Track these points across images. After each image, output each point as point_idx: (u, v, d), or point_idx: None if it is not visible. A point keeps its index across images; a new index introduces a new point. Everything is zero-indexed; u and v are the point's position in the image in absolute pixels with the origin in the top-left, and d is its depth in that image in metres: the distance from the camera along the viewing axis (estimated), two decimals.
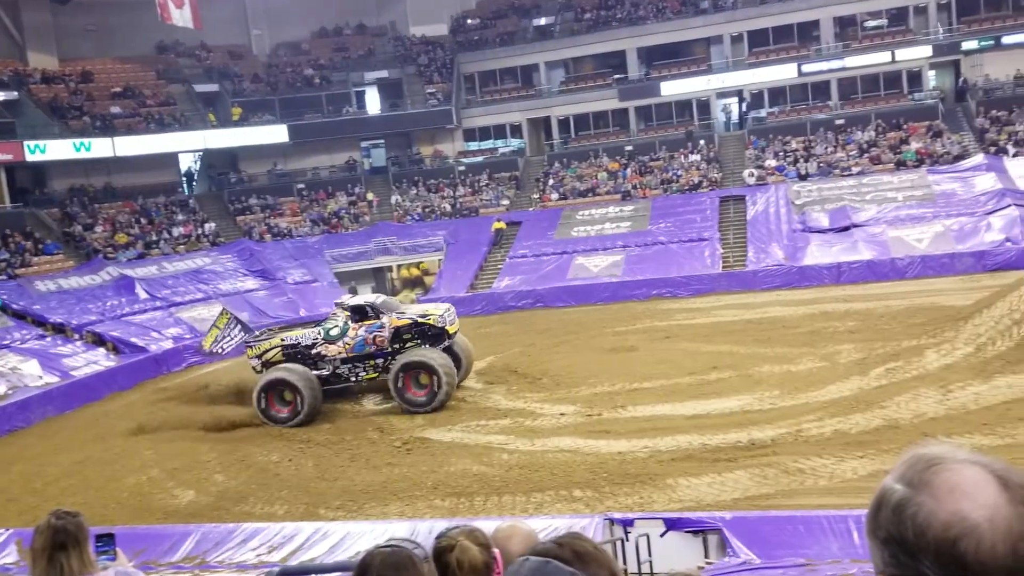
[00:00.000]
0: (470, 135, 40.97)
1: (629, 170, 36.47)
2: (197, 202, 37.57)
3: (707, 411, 15.05)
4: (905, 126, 34.02)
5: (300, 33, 44.37)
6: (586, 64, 41.50)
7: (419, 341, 17.59)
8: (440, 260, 33.66)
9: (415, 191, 38.36)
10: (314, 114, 39.78)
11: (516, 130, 40.79)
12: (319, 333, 17.92)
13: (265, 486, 13.91)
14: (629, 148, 37.89)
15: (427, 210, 36.92)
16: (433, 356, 17.10)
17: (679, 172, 35.40)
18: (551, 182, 37.08)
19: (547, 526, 7.83)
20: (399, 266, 35.60)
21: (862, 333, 19.28)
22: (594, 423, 15.24)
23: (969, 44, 35.22)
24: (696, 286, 27.90)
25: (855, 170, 32.21)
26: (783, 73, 37.32)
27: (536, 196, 36.55)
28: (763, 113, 37.94)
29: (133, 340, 25.47)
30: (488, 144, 41.01)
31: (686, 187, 34.37)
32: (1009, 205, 27.18)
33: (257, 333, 19.04)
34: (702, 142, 36.92)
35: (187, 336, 26.43)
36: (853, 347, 17.91)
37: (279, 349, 17.86)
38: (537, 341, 23.30)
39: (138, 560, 8.37)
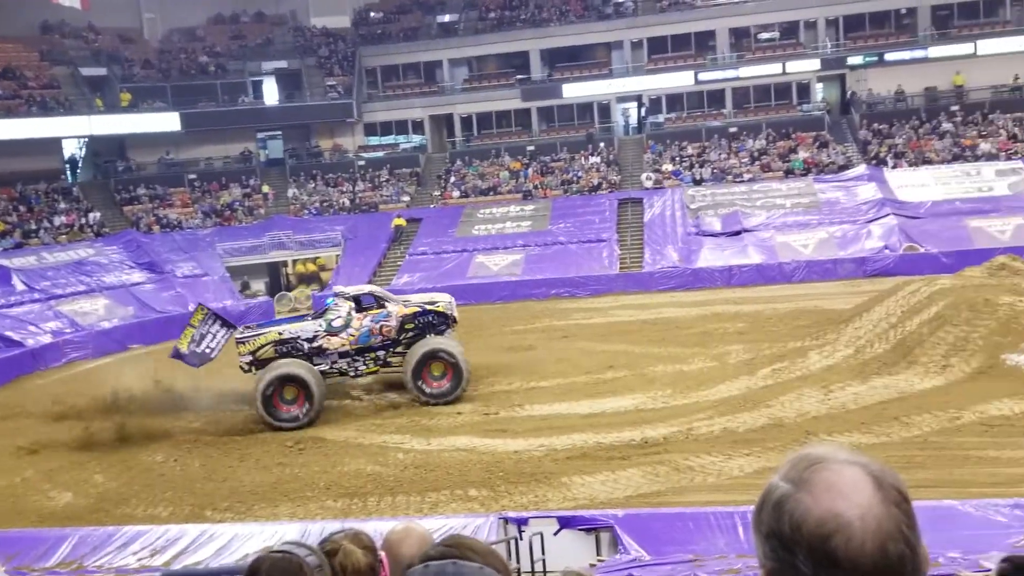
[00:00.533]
0: (371, 130, 40.46)
1: (531, 170, 36.73)
2: (81, 190, 35.84)
3: (602, 410, 15.26)
4: (794, 136, 35.39)
5: (195, 18, 42.90)
6: (490, 63, 41.57)
7: (422, 331, 16.82)
8: (338, 256, 33.09)
9: (313, 185, 37.62)
10: (208, 103, 38.51)
11: (418, 126, 40.51)
12: (320, 325, 16.61)
13: (148, 487, 13.35)
14: (531, 148, 38.16)
15: (325, 204, 36.26)
16: (450, 344, 16.50)
17: (579, 173, 35.86)
18: (453, 180, 36.98)
19: (442, 526, 7.77)
20: (295, 261, 34.81)
21: (750, 334, 19.94)
22: (491, 422, 15.24)
23: (854, 59, 36.91)
24: (594, 286, 28.31)
25: (747, 177, 33.31)
26: (681, 80, 38.27)
27: (437, 193, 36.38)
28: (661, 118, 38.83)
29: (8, 334, 24.08)
30: (389, 139, 40.59)
31: (586, 188, 34.83)
32: (888, 214, 28.61)
33: (243, 328, 17.25)
34: (602, 145, 37.50)
35: (67, 330, 25.18)
36: (742, 348, 18.49)
37: (273, 345, 16.41)
38: None
39: (11, 565, 7.92)
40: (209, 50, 41.04)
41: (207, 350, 16.43)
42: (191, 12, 42.29)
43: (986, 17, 36.86)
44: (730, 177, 33.57)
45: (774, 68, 37.53)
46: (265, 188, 37.38)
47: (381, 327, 16.68)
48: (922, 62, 36.22)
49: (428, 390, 16.22)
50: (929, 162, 32.01)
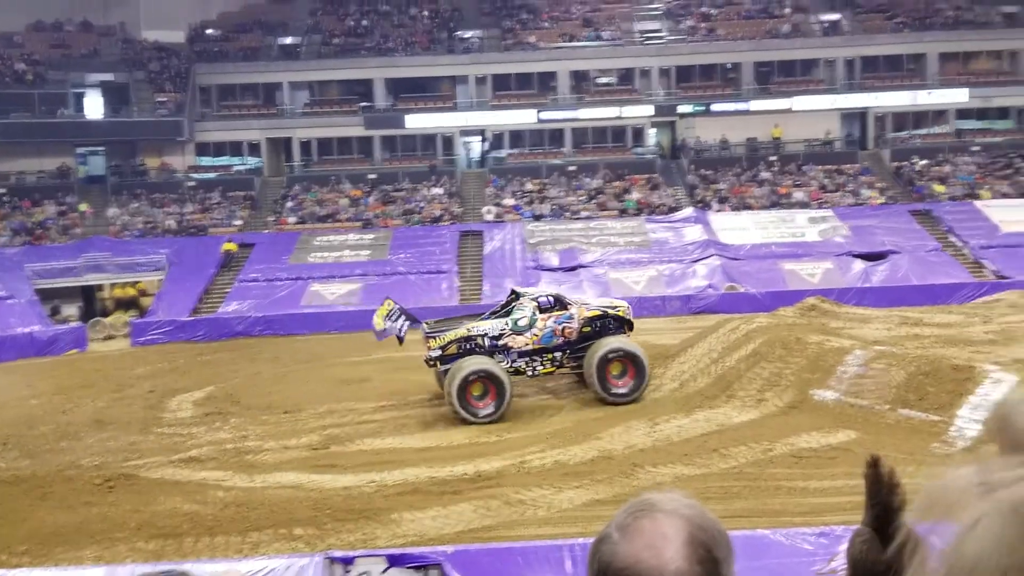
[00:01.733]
0: (203, 150, 38.84)
1: (372, 198, 36.31)
2: None
3: (437, 443, 15.06)
4: (628, 177, 36.83)
5: (14, 24, 39.92)
6: (332, 89, 40.98)
7: (600, 335, 16.82)
8: (160, 280, 31.33)
9: (136, 204, 35.59)
10: (23, 113, 35.80)
11: (254, 148, 39.28)
12: (507, 324, 16.67)
13: None
14: (373, 176, 37.77)
15: (149, 226, 34.35)
16: (630, 344, 16.54)
17: (421, 204, 35.79)
18: (289, 204, 36.00)
19: (263, 567, 7.33)
20: (112, 285, 32.60)
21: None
22: (320, 457, 14.70)
23: (684, 108, 38.98)
24: (431, 317, 28.09)
25: (584, 214, 34.31)
26: (523, 117, 39.10)
27: (272, 218, 35.27)
28: (504, 153, 39.48)
29: None
30: (223, 160, 39.10)
31: (427, 219, 34.78)
32: (712, 254, 30.18)
33: (432, 323, 17.35)
34: (445, 177, 37.64)
35: None
36: (575, 381, 18.79)
37: (459, 341, 16.45)
38: (264, 370, 22.28)
39: None
40: (27, 57, 38.25)
41: (395, 334, 17.26)
42: (9, 16, 39.32)
43: (802, 76, 39.92)
44: (568, 214, 34.47)
45: (611, 112, 39.05)
46: (83, 206, 35.02)
47: (564, 328, 16.88)
48: (745, 114, 38.71)
49: (613, 390, 16.32)
50: (749, 207, 34.09)
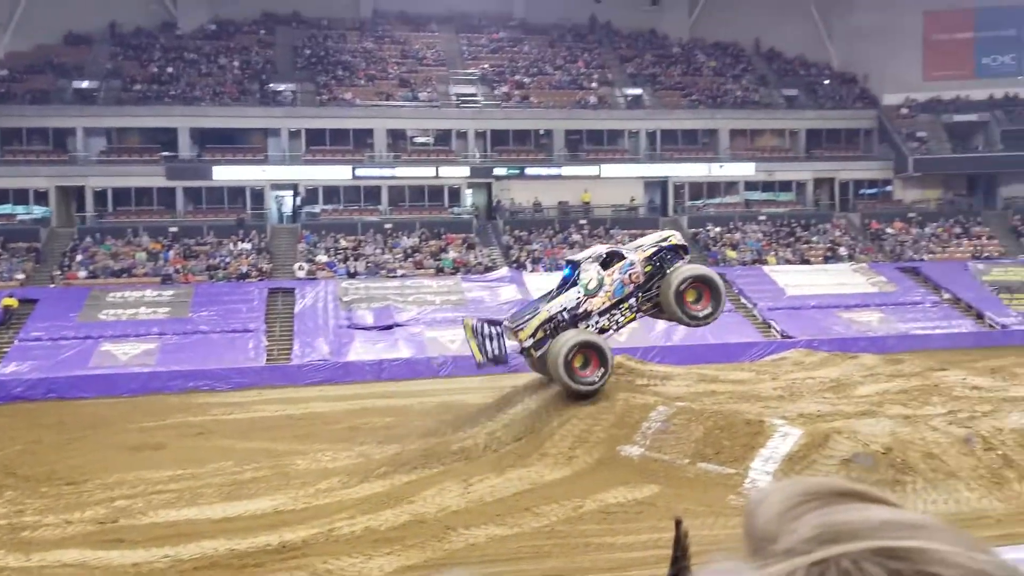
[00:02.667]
0: None
1: (172, 252, 34.42)
2: None
3: (238, 513, 14.12)
4: (445, 236, 37.07)
5: None
6: (132, 136, 38.85)
7: (661, 267, 17.21)
8: None
9: None
10: None
11: (42, 197, 36.38)
12: (579, 292, 17.08)
13: None
14: (174, 229, 35.87)
15: None
16: (699, 268, 17.41)
17: (227, 259, 34.29)
18: (79, 258, 33.45)
19: None
20: None
21: (398, 429, 19.94)
22: (107, 531, 13.40)
23: (500, 170, 39.94)
24: (238, 379, 26.81)
25: (400, 272, 34.09)
26: (338, 173, 38.61)
27: (59, 272, 32.60)
28: (317, 209, 38.71)
29: None
30: (5, 209, 35.93)
31: (234, 275, 33.34)
32: None
33: (511, 318, 17.61)
34: (254, 231, 36.35)
35: None
36: (389, 443, 18.37)
37: (543, 324, 16.81)
38: (45, 437, 20.26)
39: None
40: None
41: (498, 352, 17.38)
42: None
43: (608, 145, 42.02)
44: (384, 272, 34.13)
45: (428, 171, 39.36)
46: None
47: (630, 275, 17.25)
48: (557, 179, 40.17)
49: (694, 313, 16.95)
50: (561, 268, 35.09)
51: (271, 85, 40.44)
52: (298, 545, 12.35)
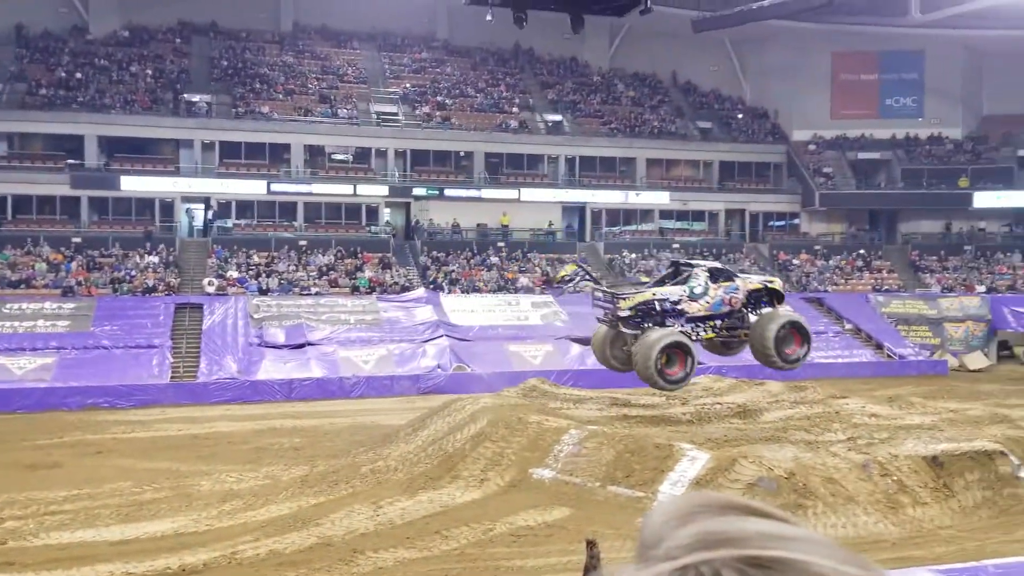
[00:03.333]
0: None
1: (75, 264, 33.10)
2: None
3: (136, 535, 13.58)
4: (361, 255, 36.67)
5: None
6: (36, 142, 37.33)
7: (756, 306, 18.04)
8: None
9: None
10: None
11: None
12: (685, 291, 17.80)
13: None
14: (77, 240, 34.53)
15: None
16: (796, 315, 18.40)
17: (133, 272, 33.17)
18: None
19: None
20: None
21: (307, 450, 19.54)
22: None
23: (419, 190, 39.80)
24: (140, 396, 25.87)
25: (313, 290, 33.53)
26: (253, 188, 37.85)
27: None
28: (230, 223, 37.83)
29: None
30: None
31: (139, 289, 32.25)
32: (442, 335, 30.59)
33: (613, 285, 19.05)
34: (162, 244, 35.28)
35: None
36: (297, 464, 17.98)
37: (646, 303, 17.60)
38: None
39: None
40: None
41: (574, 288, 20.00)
42: None
43: (529, 169, 42.37)
44: (297, 289, 33.52)
45: (346, 188, 38.93)
46: None
47: (731, 298, 17.95)
48: (476, 201, 40.26)
49: (791, 357, 17.58)
50: (478, 290, 35.16)
51: (185, 95, 39.47)
52: (199, 568, 11.94)
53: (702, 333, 18.22)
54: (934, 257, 42.02)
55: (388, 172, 40.19)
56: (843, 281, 40.11)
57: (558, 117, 43.80)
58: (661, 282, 18.99)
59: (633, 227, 43.41)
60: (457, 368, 29.18)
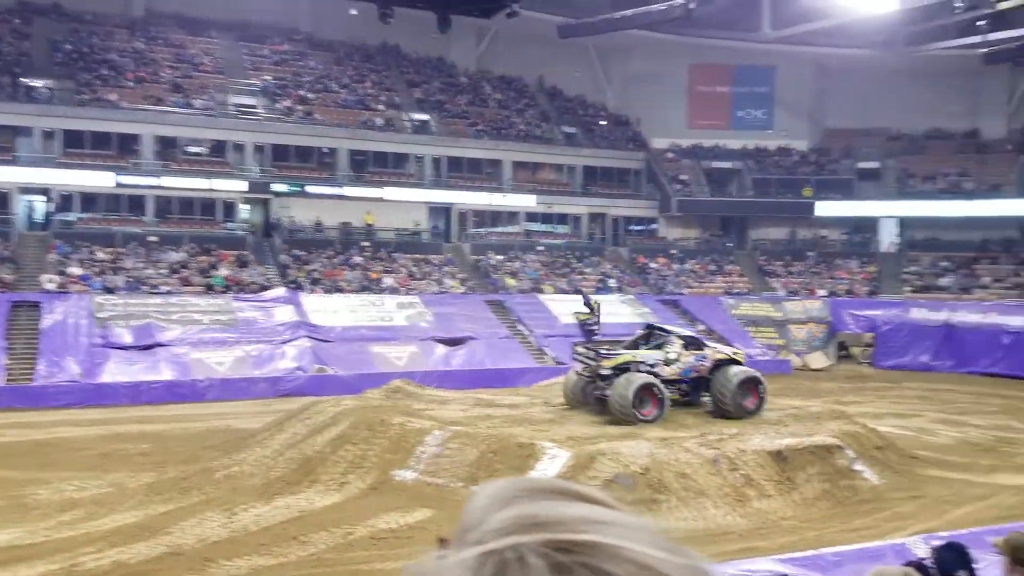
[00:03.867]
0: None
1: None
2: None
3: None
4: (216, 252, 35.28)
5: None
6: None
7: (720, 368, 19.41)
8: None
9: None
10: None
11: None
12: (660, 357, 19.54)
13: None
14: None
15: None
16: (754, 372, 19.63)
17: None
18: None
19: None
20: None
21: (156, 456, 18.61)
22: None
23: (279, 187, 38.66)
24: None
25: (164, 289, 31.98)
26: (98, 180, 35.74)
27: None
28: (72, 217, 35.57)
29: None
30: None
31: None
32: (302, 336, 29.84)
33: (608, 346, 20.39)
34: None
35: None
36: (145, 471, 17.10)
37: (625, 364, 19.19)
38: None
39: None
40: None
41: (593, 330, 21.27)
42: None
43: (394, 168, 41.94)
44: (146, 288, 31.88)
45: (201, 183, 37.33)
46: None
47: (699, 366, 19.58)
48: (340, 199, 39.50)
49: (748, 408, 19.06)
50: (341, 290, 34.51)
51: (24, 80, 36.82)
52: None
53: (670, 395, 19.34)
54: (780, 262, 44.36)
55: (247, 167, 38.85)
56: (697, 284, 41.76)
57: (425, 116, 43.59)
58: (635, 344, 20.63)
59: (499, 229, 43.74)
60: (318, 370, 28.52)
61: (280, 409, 22.28)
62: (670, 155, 47.91)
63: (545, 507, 0.69)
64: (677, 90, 48.86)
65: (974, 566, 4.61)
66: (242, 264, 35.01)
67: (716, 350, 20.41)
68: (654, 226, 46.91)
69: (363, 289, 35.07)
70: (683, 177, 46.78)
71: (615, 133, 48.31)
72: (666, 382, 19.26)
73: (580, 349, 20.47)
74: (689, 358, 19.71)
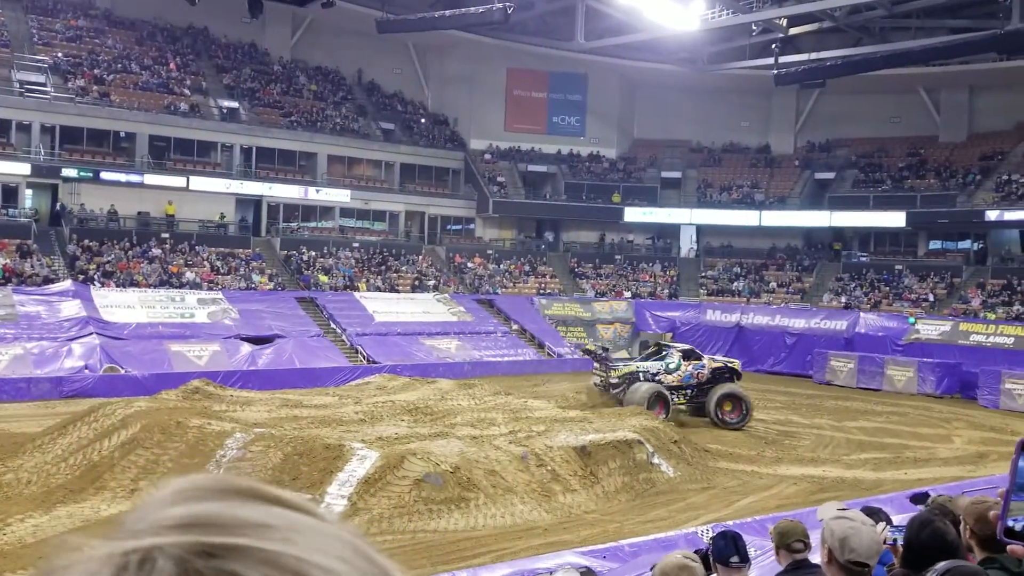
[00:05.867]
0: None
1: None
2: None
3: None
4: None
5: None
6: None
7: (718, 380, 23.10)
8: None
9: None
10: None
11: None
12: (662, 365, 23.36)
13: None
14: None
15: None
16: (739, 389, 22.96)
17: None
18: None
19: None
20: None
21: None
22: None
23: (69, 171, 35.69)
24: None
25: None
26: None
27: None
28: None
29: None
30: None
31: None
32: (92, 333, 27.68)
33: (616, 360, 25.28)
34: None
35: None
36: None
37: (632, 374, 23.16)
38: None
39: None
40: None
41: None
42: None
43: (199, 156, 39.78)
44: None
45: None
46: None
47: (698, 373, 23.10)
48: (138, 187, 37.00)
49: (725, 419, 22.55)
50: (137, 284, 32.35)
51: None
52: None
53: (675, 399, 23.05)
54: (590, 264, 45.94)
55: (32, 149, 35.62)
56: (512, 284, 42.49)
57: (234, 104, 41.68)
58: (646, 358, 24.58)
59: (312, 224, 42.59)
60: (108, 369, 26.53)
61: (64, 412, 20.58)
62: (488, 156, 48.46)
63: (216, 507, 0.65)
64: (495, 93, 49.51)
65: (749, 550, 4.90)
66: (24, 254, 32.04)
67: (713, 359, 24.32)
68: (471, 226, 47.29)
69: (162, 283, 33.06)
70: (500, 179, 47.45)
71: (434, 132, 48.29)
72: (671, 388, 22.98)
73: (595, 365, 24.57)
74: (688, 367, 23.40)
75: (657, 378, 23.09)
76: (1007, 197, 40.07)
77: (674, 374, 23.33)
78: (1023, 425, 25.62)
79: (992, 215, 39.04)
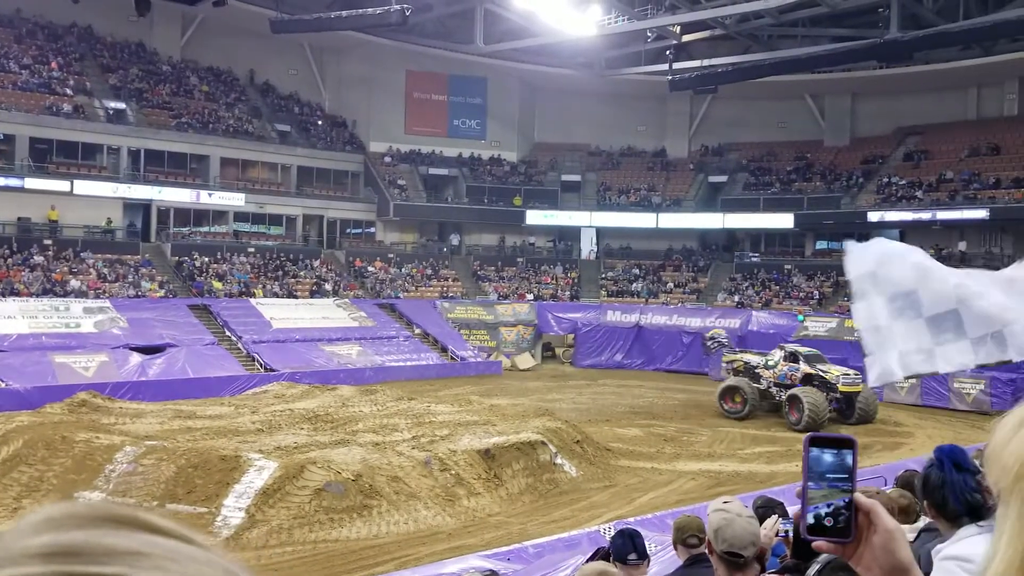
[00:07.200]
0: None
1: None
2: None
3: None
4: None
5: None
6: None
7: (815, 387, 24.70)
8: None
9: None
10: None
11: None
12: (763, 361, 26.56)
13: None
14: None
15: None
16: (807, 394, 24.09)
17: None
18: None
19: None
20: None
21: None
22: None
23: None
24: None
25: None
26: None
27: None
28: None
29: None
30: None
31: None
32: None
33: (733, 350, 29.42)
34: None
35: None
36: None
37: (740, 363, 27.22)
38: None
39: None
40: None
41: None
42: None
43: (84, 159, 38.05)
44: None
45: None
46: None
47: (791, 375, 25.51)
48: (18, 191, 35.15)
49: (787, 418, 24.60)
50: (18, 294, 30.73)
51: None
52: None
53: (773, 392, 25.88)
54: (492, 267, 46.05)
55: None
56: (414, 288, 42.19)
57: (121, 105, 40.03)
58: (761, 355, 27.31)
59: (205, 228, 41.31)
60: None
61: None
62: (388, 159, 48.02)
63: (84, 536, 0.64)
64: (395, 95, 49.11)
65: (648, 547, 4.96)
66: None
67: (810, 367, 25.47)
68: (372, 230, 46.74)
69: (45, 292, 31.48)
70: (401, 182, 47.07)
71: (332, 134, 47.54)
72: (771, 383, 25.88)
73: (723, 360, 28.66)
74: (785, 368, 25.71)
75: (756, 371, 26.40)
76: (888, 199, 42.17)
77: (772, 370, 26.24)
78: (905, 416, 26.97)
79: (874, 216, 40.97)
